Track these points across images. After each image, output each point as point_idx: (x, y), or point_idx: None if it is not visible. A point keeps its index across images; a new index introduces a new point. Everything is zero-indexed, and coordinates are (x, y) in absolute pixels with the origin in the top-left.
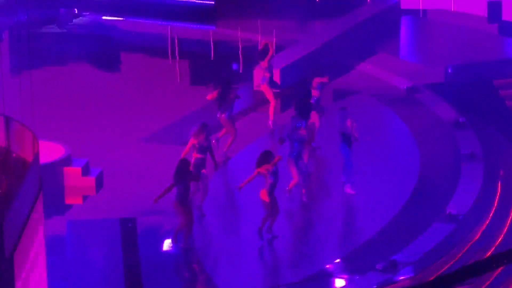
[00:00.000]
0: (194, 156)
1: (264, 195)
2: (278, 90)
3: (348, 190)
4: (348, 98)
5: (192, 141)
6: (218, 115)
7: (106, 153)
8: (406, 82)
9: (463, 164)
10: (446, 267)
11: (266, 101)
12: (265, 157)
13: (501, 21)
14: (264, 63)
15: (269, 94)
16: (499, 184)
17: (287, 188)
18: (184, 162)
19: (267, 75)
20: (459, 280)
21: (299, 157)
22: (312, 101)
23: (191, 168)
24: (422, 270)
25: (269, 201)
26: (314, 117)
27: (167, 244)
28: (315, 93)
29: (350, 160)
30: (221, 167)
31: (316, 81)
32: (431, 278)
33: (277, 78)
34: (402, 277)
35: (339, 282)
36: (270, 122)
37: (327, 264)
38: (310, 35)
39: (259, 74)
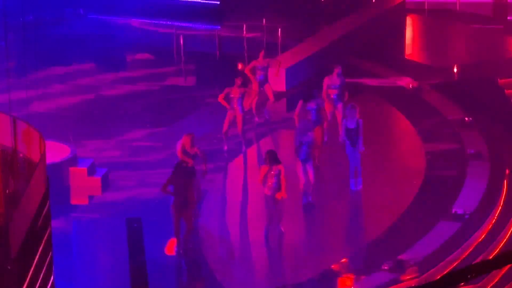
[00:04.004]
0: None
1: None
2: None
3: (353, 187)
4: (354, 98)
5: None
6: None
7: (111, 153)
8: (412, 82)
9: (469, 163)
10: (452, 267)
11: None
12: (274, 155)
13: (506, 21)
14: (263, 62)
15: (255, 87)
16: (505, 183)
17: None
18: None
19: (261, 72)
20: (464, 279)
21: (307, 160)
22: (333, 96)
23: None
24: (428, 269)
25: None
26: (339, 120)
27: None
28: (332, 92)
29: (355, 157)
30: (227, 165)
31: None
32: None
33: (282, 77)
34: (408, 277)
35: (345, 282)
36: (256, 118)
37: (333, 263)
38: (316, 35)
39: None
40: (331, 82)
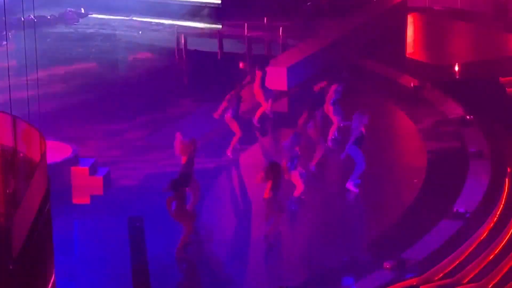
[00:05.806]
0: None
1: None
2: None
3: (351, 187)
4: (355, 97)
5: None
6: (225, 115)
7: (113, 153)
8: (413, 80)
9: (470, 162)
10: (453, 266)
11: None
12: (275, 168)
13: (507, 19)
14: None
15: (260, 97)
16: (506, 181)
17: (294, 196)
18: (185, 175)
19: (259, 73)
20: None
21: (296, 168)
22: (331, 103)
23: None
24: (430, 268)
25: (273, 200)
26: (333, 118)
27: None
28: (333, 95)
29: (362, 160)
30: (226, 167)
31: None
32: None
33: (283, 77)
34: (409, 276)
35: (347, 281)
36: (255, 120)
37: (334, 263)
38: (317, 34)
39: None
40: (336, 88)
